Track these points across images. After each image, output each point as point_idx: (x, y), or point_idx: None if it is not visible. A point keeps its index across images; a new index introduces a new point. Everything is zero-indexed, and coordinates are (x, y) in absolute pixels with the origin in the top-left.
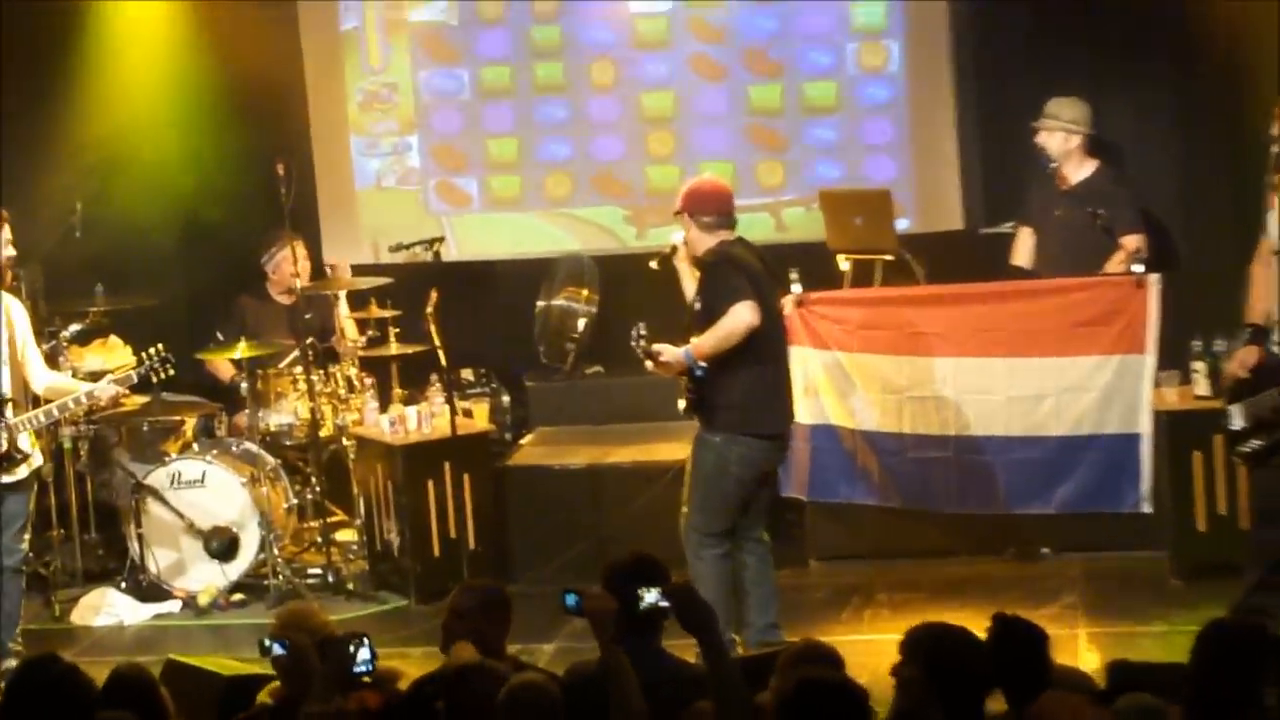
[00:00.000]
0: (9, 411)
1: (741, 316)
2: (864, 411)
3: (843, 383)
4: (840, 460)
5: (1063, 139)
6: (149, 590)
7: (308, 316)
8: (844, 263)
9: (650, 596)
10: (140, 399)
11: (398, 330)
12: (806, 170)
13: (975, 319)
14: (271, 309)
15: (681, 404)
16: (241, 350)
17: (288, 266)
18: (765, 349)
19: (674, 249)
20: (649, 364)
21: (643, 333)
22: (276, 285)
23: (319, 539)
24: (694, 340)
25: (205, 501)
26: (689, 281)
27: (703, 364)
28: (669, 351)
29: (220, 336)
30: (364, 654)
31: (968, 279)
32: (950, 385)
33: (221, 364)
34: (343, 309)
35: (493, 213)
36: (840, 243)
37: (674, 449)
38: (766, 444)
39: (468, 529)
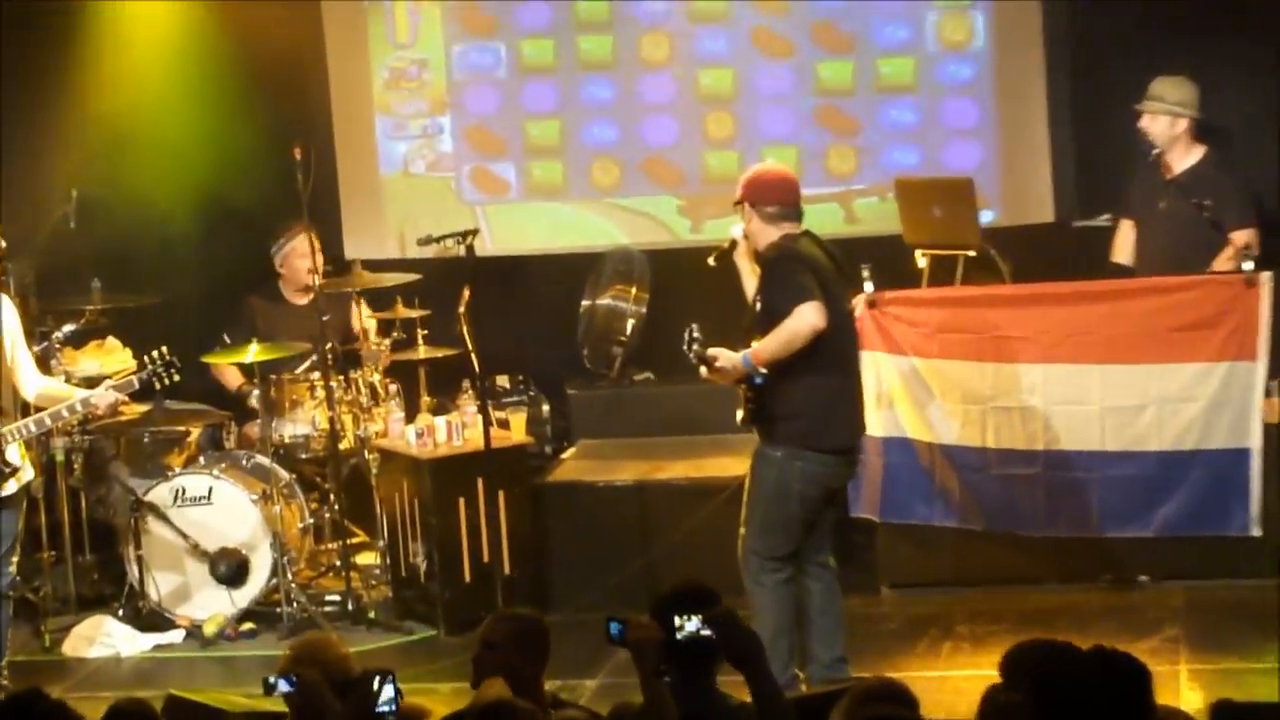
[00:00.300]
0: None
1: (806, 318)
2: (943, 423)
3: (919, 391)
4: (916, 477)
5: (1168, 123)
6: (149, 618)
7: (325, 318)
8: (921, 259)
9: (690, 625)
10: (141, 407)
11: (426, 332)
12: (881, 156)
13: (1067, 321)
14: (284, 310)
15: (740, 415)
16: (253, 354)
17: (299, 261)
18: (833, 354)
19: (733, 243)
20: (703, 370)
21: (696, 335)
22: (290, 283)
23: (337, 562)
24: (754, 344)
25: (212, 520)
26: (750, 279)
27: (763, 370)
28: (725, 356)
29: (227, 339)
30: (388, 691)
31: (1059, 277)
32: (1039, 394)
33: (228, 370)
34: (364, 308)
35: (532, 202)
36: (917, 236)
37: (731, 464)
38: (834, 459)
39: (502, 552)
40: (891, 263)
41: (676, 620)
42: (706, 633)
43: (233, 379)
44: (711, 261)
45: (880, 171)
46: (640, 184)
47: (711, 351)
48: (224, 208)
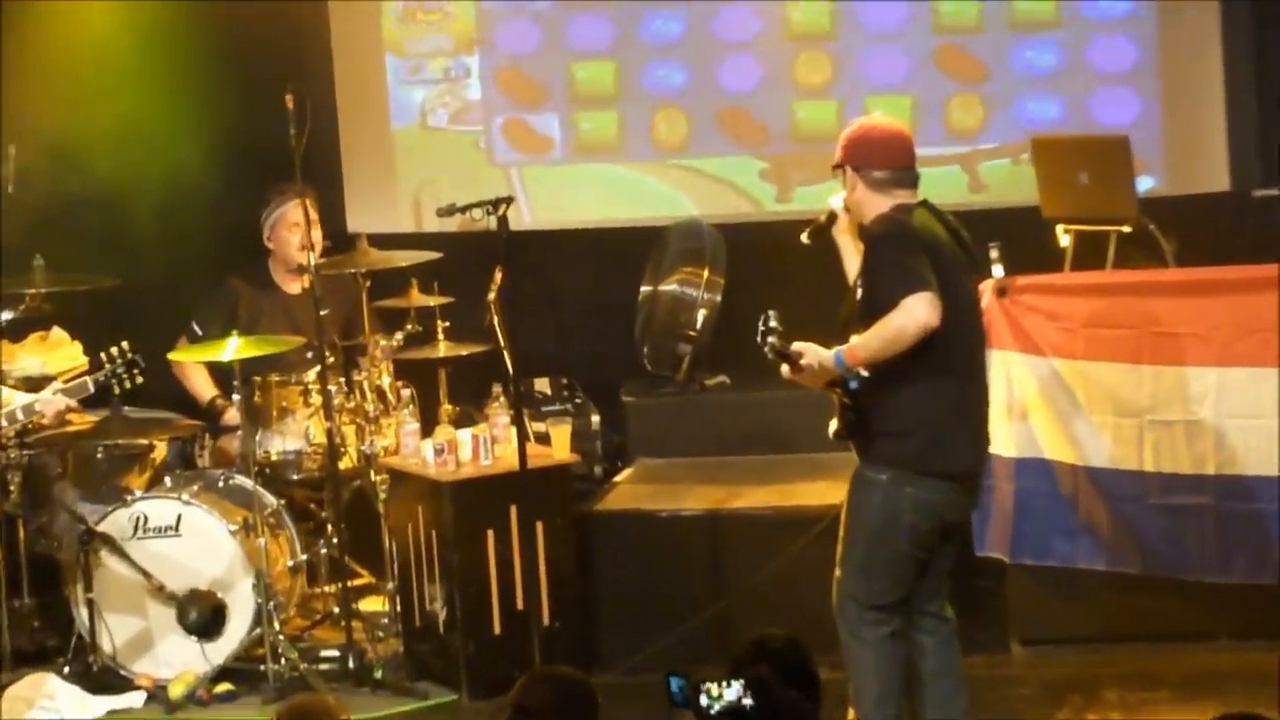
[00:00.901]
0: None
1: (916, 314)
2: (1090, 441)
3: (1061, 401)
4: (1056, 507)
5: None
6: (101, 677)
7: (324, 312)
8: (1064, 236)
9: (730, 692)
10: (94, 416)
11: (447, 324)
12: (1014, 108)
13: (1246, 315)
14: (274, 297)
15: (833, 427)
16: (233, 350)
17: (289, 233)
18: (952, 354)
19: (832, 216)
20: (784, 369)
21: (773, 324)
22: (280, 262)
23: (336, 609)
24: (853, 339)
25: (180, 555)
26: (852, 260)
27: (862, 372)
28: (813, 353)
29: (198, 330)
30: None
31: (1235, 259)
32: (1209, 406)
33: (195, 376)
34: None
35: (580, 163)
36: (1059, 208)
37: (824, 490)
38: (952, 486)
39: (540, 597)
40: (1027, 241)
41: (707, 688)
42: (748, 702)
43: (203, 387)
44: (805, 239)
45: (1013, 127)
46: (714, 141)
47: (796, 346)
48: (198, 171)
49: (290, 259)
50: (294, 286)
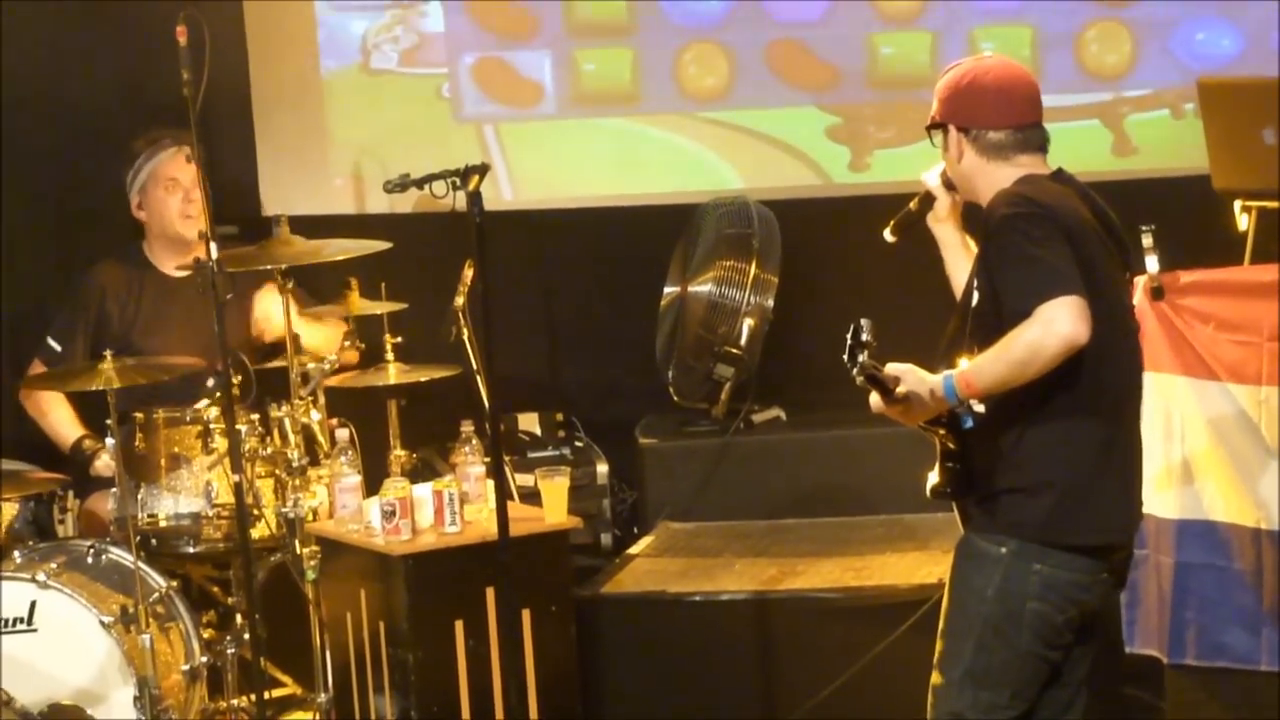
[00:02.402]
0: None
1: (1058, 325)
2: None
3: (1240, 443)
4: (1231, 588)
5: None
6: None
7: (229, 296)
8: (1242, 215)
9: None
10: None
11: (399, 341)
12: (1174, 39)
13: None
14: (153, 286)
15: (933, 481)
16: (102, 375)
17: (166, 193)
18: (1100, 383)
19: (928, 199)
20: (874, 400)
21: (866, 337)
22: (157, 235)
23: None
24: (963, 362)
25: (35, 658)
26: (957, 256)
27: (978, 406)
28: (915, 378)
29: (56, 347)
30: None
31: None
32: None
33: (55, 408)
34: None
35: (580, 117)
36: (1237, 178)
37: (916, 565)
38: (1095, 563)
39: (529, 710)
40: (1193, 222)
41: None
42: None
43: (66, 425)
44: (889, 235)
45: (1172, 66)
46: (763, 87)
47: (892, 369)
48: (49, 122)
49: (167, 229)
50: (178, 269)
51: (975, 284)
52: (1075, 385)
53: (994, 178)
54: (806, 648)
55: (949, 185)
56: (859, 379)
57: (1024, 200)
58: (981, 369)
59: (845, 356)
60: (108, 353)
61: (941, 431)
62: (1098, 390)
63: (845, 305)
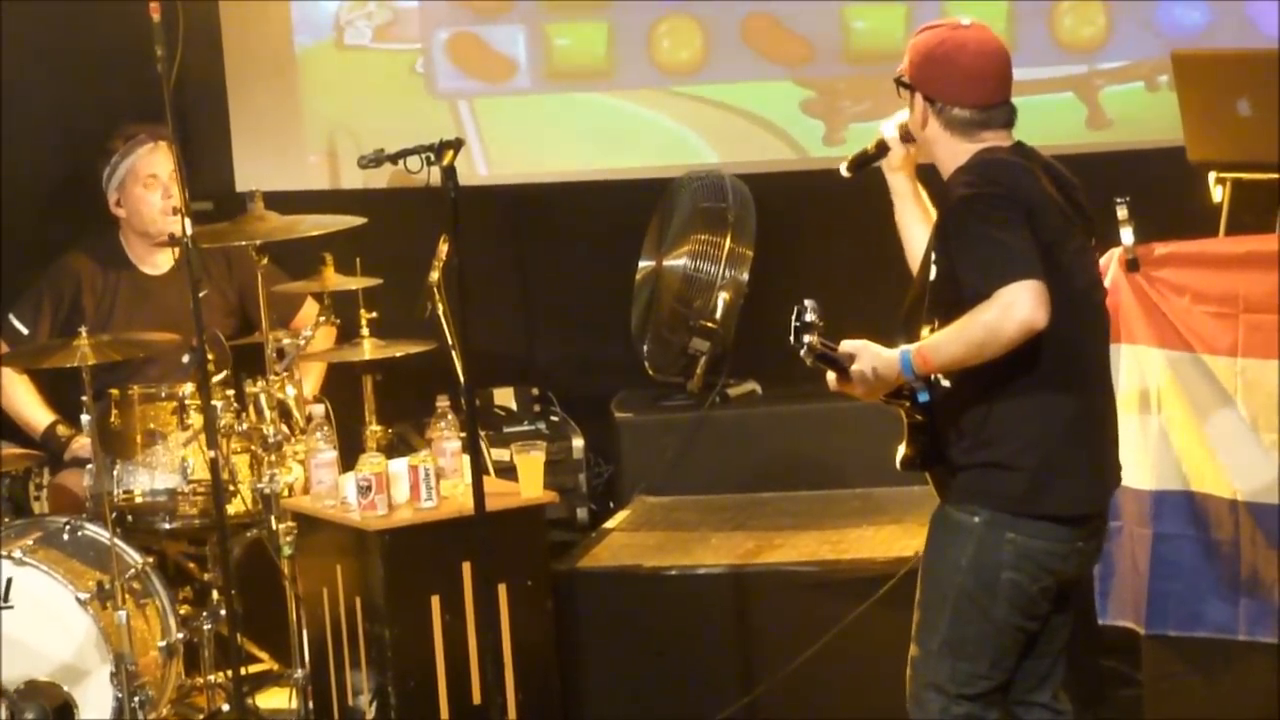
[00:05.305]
0: None
1: (1017, 310)
2: (1256, 468)
3: (1215, 413)
4: (1207, 559)
5: None
6: None
7: (203, 294)
8: (1217, 187)
9: None
10: None
11: (373, 315)
12: (1149, 11)
13: None
14: (130, 281)
15: (903, 453)
16: (78, 352)
17: (145, 190)
18: (1068, 355)
19: (882, 146)
20: (831, 378)
21: (809, 317)
22: (135, 232)
23: (225, 706)
24: (924, 335)
25: (13, 634)
26: (911, 208)
27: (943, 381)
28: (869, 355)
29: (20, 327)
30: None
31: None
32: None
33: (19, 392)
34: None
35: (554, 92)
36: (1211, 149)
37: (891, 538)
38: (1070, 531)
39: (505, 685)
40: (1167, 194)
41: None
42: None
43: (33, 410)
44: (844, 170)
45: (1146, 38)
46: (738, 61)
47: (846, 346)
48: (32, 113)
49: (149, 225)
50: (157, 265)
51: (934, 256)
52: (1041, 359)
53: (954, 149)
54: (784, 621)
55: (906, 138)
56: (808, 360)
57: (984, 180)
58: (939, 347)
59: (791, 339)
60: (83, 329)
61: (904, 405)
62: (1064, 362)
63: (820, 278)
